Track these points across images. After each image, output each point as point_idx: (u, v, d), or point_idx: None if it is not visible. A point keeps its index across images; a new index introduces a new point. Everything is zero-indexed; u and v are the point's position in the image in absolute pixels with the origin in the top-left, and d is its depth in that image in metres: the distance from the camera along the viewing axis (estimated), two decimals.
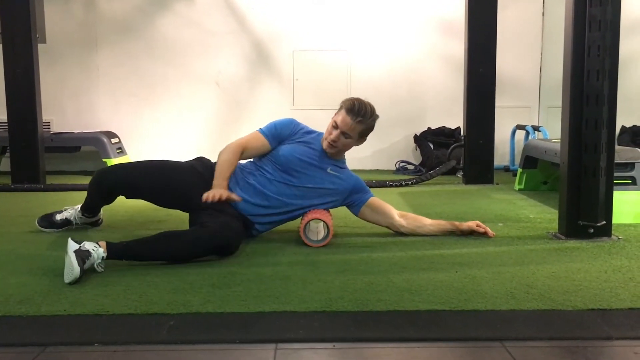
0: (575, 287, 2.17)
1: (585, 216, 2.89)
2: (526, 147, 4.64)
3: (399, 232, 3.05)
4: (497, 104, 5.03)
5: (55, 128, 6.25)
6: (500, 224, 3.32)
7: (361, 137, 2.95)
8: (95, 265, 2.33)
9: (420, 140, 6.24)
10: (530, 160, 4.56)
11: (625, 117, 5.95)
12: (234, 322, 1.87)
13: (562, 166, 3.01)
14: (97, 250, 2.34)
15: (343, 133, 2.88)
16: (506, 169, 5.97)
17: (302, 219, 2.92)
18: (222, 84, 6.42)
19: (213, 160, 2.98)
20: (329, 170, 2.97)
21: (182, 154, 4.35)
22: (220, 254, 2.59)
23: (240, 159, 2.95)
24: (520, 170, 4.70)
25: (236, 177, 2.92)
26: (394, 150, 6.45)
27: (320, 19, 6.33)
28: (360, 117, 2.86)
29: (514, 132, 6.03)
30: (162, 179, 2.90)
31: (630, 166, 3.35)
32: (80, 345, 1.74)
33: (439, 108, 6.38)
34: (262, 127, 3.01)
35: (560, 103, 3.00)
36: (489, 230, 3.00)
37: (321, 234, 2.87)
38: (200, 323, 1.87)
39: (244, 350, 1.71)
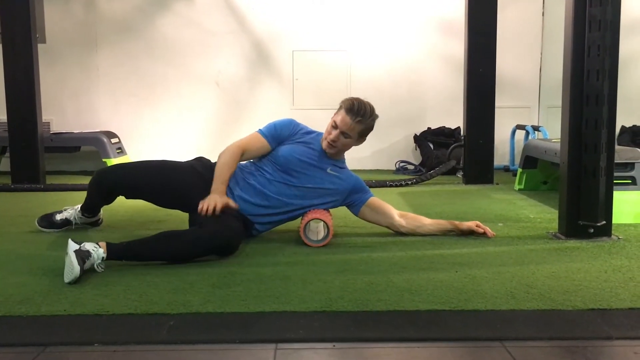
0: (575, 287, 2.17)
1: (585, 216, 2.89)
2: (526, 147, 4.64)
3: (398, 232, 3.05)
4: (497, 103, 5.03)
5: (55, 128, 6.25)
6: (500, 224, 3.32)
7: (361, 137, 2.95)
8: (95, 266, 2.33)
9: (420, 140, 6.24)
10: (530, 160, 4.56)
11: (625, 117, 5.95)
12: (234, 322, 1.87)
13: (562, 166, 3.01)
14: (97, 250, 2.34)
15: (342, 133, 2.88)
16: (506, 169, 5.96)
17: (302, 219, 2.92)
18: (222, 84, 6.41)
19: (213, 161, 2.99)
20: (328, 170, 2.97)
21: (182, 154, 4.35)
22: (220, 254, 2.59)
23: (240, 161, 2.95)
24: (520, 170, 4.70)
25: (236, 177, 2.92)
26: (394, 150, 6.45)
27: (320, 19, 6.33)
28: (359, 117, 2.86)
29: (513, 132, 6.03)
30: (162, 179, 2.90)
31: (630, 166, 3.35)
32: (80, 345, 1.74)
33: (439, 108, 6.38)
34: (261, 128, 3.01)
35: (560, 103, 3.00)
36: (488, 230, 3.00)
37: (321, 234, 2.87)
38: (200, 323, 1.87)
39: (244, 350, 1.71)
